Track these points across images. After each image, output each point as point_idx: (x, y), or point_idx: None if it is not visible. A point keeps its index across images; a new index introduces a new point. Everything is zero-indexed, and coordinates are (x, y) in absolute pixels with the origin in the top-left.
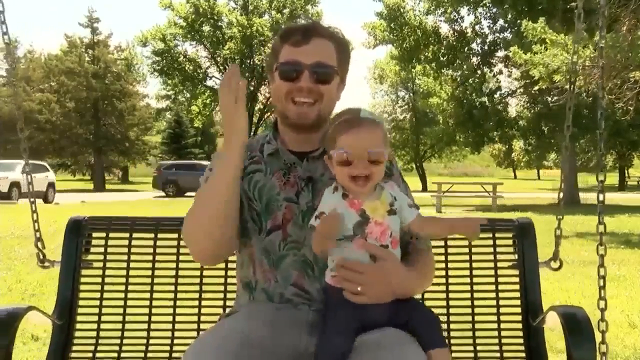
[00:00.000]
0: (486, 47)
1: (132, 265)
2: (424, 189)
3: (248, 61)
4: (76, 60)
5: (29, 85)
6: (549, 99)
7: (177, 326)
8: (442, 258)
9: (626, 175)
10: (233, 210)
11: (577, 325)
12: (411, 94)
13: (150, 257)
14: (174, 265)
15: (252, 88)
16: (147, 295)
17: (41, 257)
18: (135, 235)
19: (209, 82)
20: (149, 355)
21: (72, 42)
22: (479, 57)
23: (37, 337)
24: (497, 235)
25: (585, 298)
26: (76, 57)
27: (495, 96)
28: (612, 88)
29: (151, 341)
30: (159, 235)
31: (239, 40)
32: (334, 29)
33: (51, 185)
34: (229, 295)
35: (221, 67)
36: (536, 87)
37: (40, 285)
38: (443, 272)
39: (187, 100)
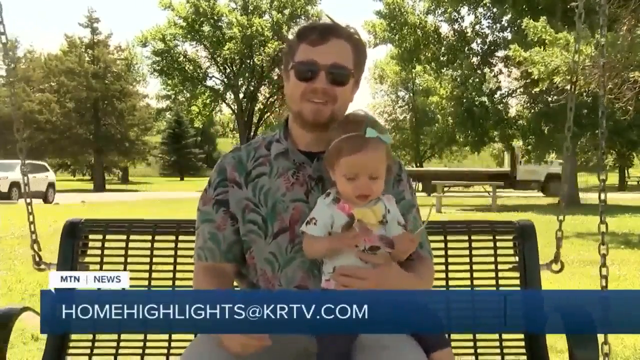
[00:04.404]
0: (486, 47)
1: (129, 267)
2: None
3: (248, 61)
4: (76, 61)
5: (29, 85)
6: (549, 98)
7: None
8: (442, 260)
9: (626, 175)
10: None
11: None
12: (411, 94)
13: (147, 260)
14: (171, 267)
15: (252, 88)
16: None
17: (37, 259)
18: (132, 237)
19: (209, 82)
20: (146, 358)
21: (72, 42)
22: (479, 57)
23: (37, 337)
24: (497, 237)
25: None
26: (76, 57)
27: (495, 96)
28: (612, 88)
29: (148, 344)
30: (157, 238)
31: (239, 41)
32: (352, 30)
33: (51, 185)
34: None
35: (221, 67)
36: (537, 89)
37: (41, 285)
38: (443, 275)
39: (187, 100)
